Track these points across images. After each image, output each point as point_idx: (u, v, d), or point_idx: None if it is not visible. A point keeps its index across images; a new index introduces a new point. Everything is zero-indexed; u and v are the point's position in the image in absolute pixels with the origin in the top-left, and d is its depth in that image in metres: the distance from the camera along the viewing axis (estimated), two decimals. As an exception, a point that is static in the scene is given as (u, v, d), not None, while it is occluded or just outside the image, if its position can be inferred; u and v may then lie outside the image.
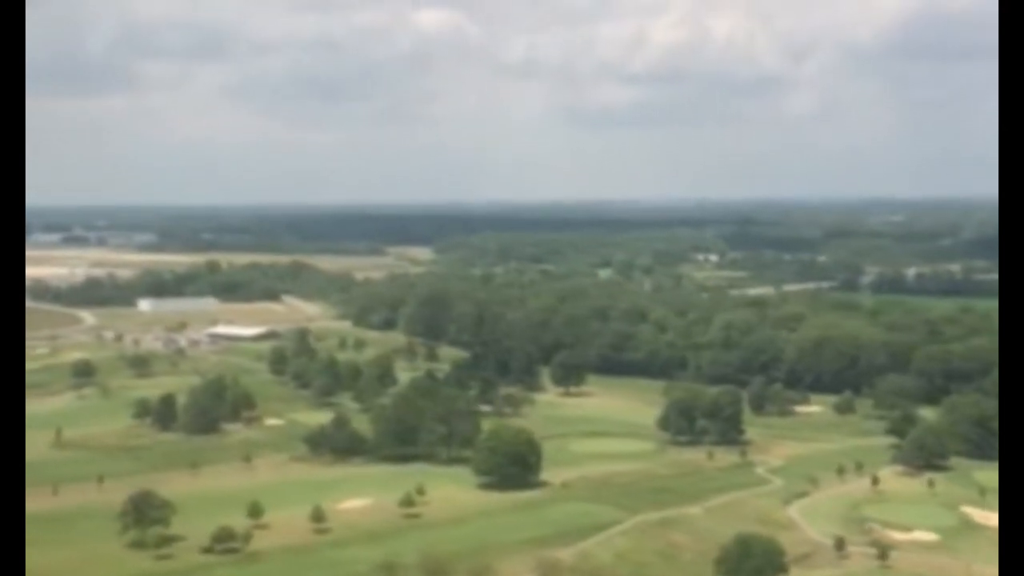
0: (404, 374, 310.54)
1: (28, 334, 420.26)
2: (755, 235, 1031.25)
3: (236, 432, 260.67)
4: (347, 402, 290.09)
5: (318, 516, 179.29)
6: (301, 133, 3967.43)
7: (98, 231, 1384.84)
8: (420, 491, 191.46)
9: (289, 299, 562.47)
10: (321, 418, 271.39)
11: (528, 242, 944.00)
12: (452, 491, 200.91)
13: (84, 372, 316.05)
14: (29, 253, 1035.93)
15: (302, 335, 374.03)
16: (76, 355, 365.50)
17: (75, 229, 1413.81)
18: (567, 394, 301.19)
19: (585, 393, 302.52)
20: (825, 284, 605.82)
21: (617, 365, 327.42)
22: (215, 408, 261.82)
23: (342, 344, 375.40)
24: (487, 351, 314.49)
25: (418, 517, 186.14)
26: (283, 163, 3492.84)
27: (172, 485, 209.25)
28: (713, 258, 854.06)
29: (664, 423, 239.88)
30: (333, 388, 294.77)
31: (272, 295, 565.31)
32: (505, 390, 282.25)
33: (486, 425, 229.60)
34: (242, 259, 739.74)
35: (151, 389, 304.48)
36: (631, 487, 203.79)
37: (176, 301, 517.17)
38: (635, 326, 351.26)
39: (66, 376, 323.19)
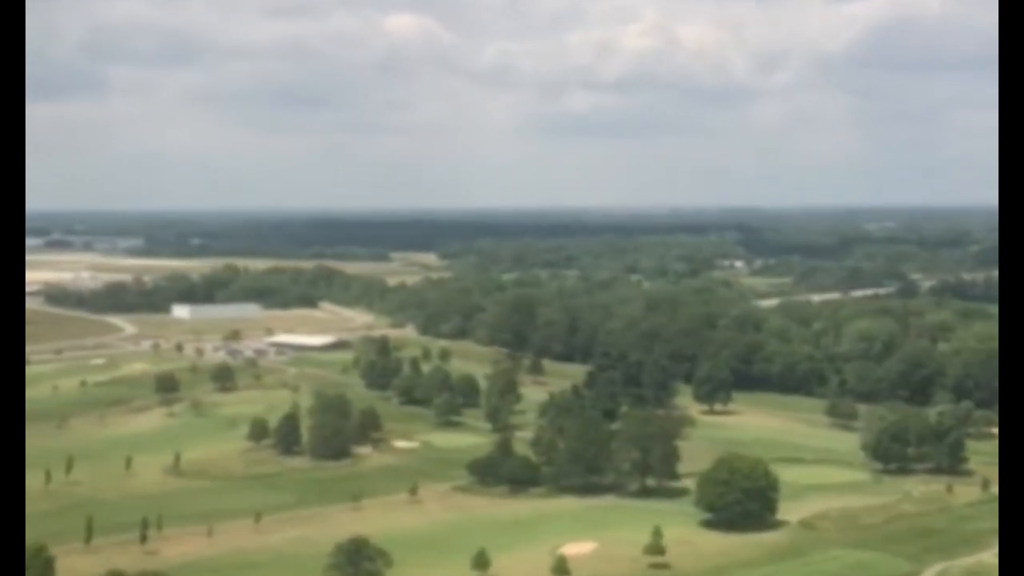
0: (523, 390, 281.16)
1: (71, 342, 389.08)
2: (769, 242, 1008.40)
3: (368, 457, 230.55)
4: (474, 421, 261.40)
5: (561, 568, 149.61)
6: (271, 139, 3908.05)
7: (78, 236, 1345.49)
8: (658, 533, 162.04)
9: (327, 305, 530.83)
10: (456, 440, 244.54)
11: (538, 248, 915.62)
12: (678, 532, 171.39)
13: (167, 387, 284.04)
14: (45, 258, 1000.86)
15: (383, 346, 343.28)
16: (138, 366, 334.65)
17: (53, 233, 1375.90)
18: (711, 412, 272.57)
19: (732, 412, 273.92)
20: (881, 291, 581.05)
21: (747, 379, 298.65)
22: (344, 430, 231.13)
23: (426, 355, 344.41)
24: (610, 364, 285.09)
25: (668, 568, 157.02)
26: (254, 169, 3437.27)
27: (341, 523, 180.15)
28: (738, 264, 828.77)
29: (875, 448, 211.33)
30: (455, 405, 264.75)
31: (307, 301, 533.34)
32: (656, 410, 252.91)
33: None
34: (255, 265, 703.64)
35: (242, 405, 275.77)
36: (885, 528, 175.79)
37: (215, 308, 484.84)
38: (752, 336, 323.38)
39: (144, 391, 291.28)
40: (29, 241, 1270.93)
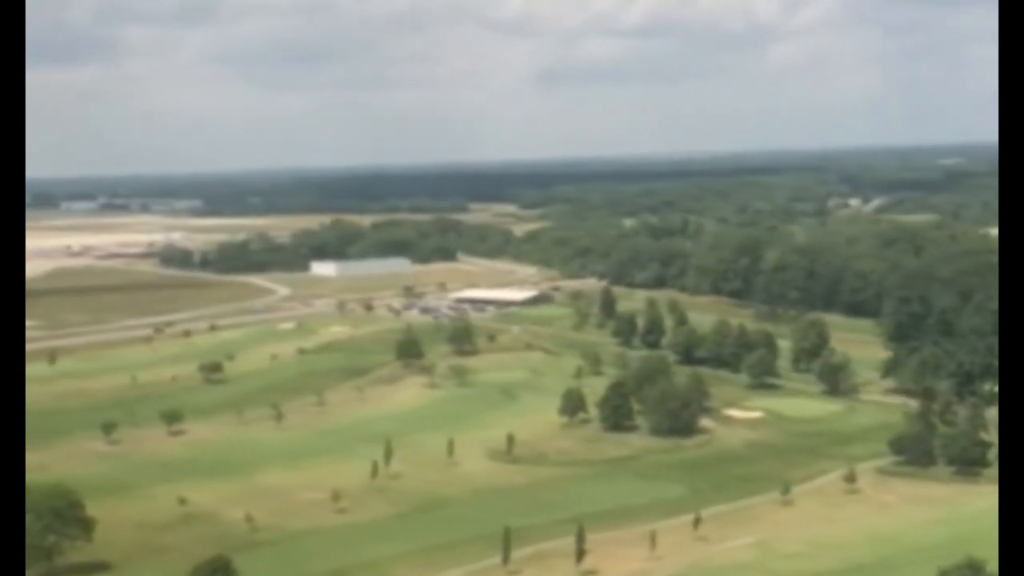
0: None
1: (232, 306, 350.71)
2: (862, 180, 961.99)
3: (715, 431, 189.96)
4: (796, 384, 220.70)
5: None
6: (289, 97, 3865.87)
7: (127, 198, 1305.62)
8: None
9: (466, 258, 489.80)
10: (801, 407, 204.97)
11: (628, 194, 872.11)
12: None
13: (409, 352, 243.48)
14: (91, 220, 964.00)
15: (607, 299, 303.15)
16: (336, 329, 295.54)
17: (99, 198, 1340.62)
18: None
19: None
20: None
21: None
22: (690, 400, 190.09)
23: (651, 307, 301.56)
24: (921, 313, 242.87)
25: None
26: (271, 128, 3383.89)
27: (793, 524, 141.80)
28: (853, 202, 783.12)
29: None
30: (771, 366, 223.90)
31: (445, 254, 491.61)
32: None
33: None
34: (362, 220, 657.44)
35: (500, 371, 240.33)
36: None
37: (361, 264, 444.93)
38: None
39: (374, 357, 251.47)
40: (81, 205, 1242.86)
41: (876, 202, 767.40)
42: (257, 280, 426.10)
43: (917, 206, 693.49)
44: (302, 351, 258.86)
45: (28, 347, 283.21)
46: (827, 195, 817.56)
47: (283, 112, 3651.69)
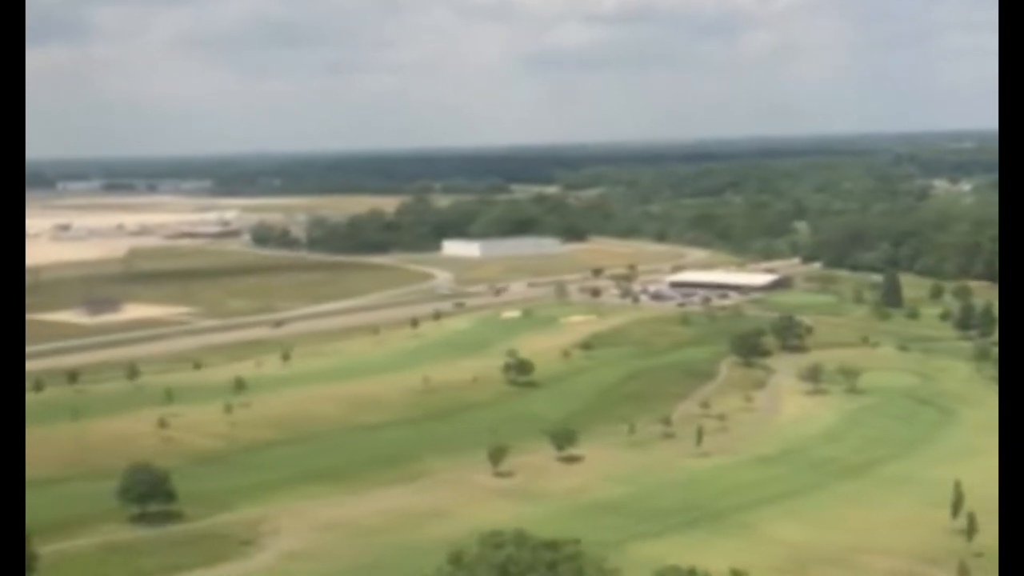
0: None
1: (404, 289, 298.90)
2: (922, 162, 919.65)
3: None
4: None
5: None
6: (265, 81, 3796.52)
7: (127, 178, 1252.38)
8: None
9: (602, 239, 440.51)
10: None
11: (684, 175, 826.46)
12: None
13: (753, 350, 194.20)
14: (105, 200, 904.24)
15: (892, 286, 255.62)
16: (577, 319, 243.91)
17: (93, 179, 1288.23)
18: None
19: None
20: None
21: None
22: None
23: (961, 296, 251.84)
24: None
25: None
26: (244, 112, 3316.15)
27: None
28: (938, 183, 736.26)
29: None
30: None
31: (575, 234, 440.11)
32: None
33: None
34: (438, 199, 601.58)
35: (880, 373, 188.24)
36: None
37: (508, 243, 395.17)
38: None
39: (689, 353, 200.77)
40: (81, 185, 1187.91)
41: (966, 184, 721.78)
42: (388, 260, 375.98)
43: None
44: (587, 347, 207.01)
45: (211, 339, 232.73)
46: (905, 177, 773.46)
47: (267, 97, 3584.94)
